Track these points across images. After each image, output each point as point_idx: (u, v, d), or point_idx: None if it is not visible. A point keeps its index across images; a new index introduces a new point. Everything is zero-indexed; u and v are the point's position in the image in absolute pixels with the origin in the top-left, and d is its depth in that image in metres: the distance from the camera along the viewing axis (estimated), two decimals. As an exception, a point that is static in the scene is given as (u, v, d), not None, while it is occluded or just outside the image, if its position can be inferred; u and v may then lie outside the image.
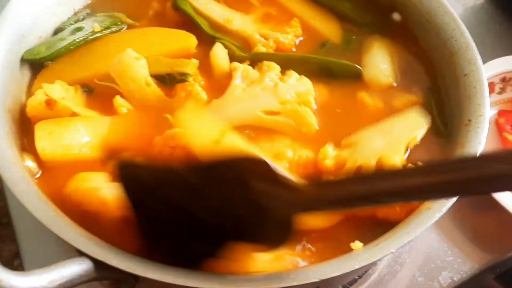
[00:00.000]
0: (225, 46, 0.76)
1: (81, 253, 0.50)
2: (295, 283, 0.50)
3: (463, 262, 0.80)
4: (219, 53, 0.75)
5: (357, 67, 0.75)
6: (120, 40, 0.76)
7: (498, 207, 0.79)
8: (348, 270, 0.51)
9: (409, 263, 0.79)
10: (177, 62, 0.70)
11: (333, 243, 0.58)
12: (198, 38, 0.76)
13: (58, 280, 0.46)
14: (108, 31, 0.77)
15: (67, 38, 0.75)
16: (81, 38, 0.75)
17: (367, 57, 0.77)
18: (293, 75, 0.70)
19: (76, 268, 0.48)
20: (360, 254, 0.53)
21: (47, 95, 0.65)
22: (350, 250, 0.55)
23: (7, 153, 0.58)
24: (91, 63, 0.73)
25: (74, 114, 0.66)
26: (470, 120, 0.63)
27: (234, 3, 0.84)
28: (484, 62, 0.93)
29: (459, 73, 0.70)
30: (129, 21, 0.80)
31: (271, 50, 0.77)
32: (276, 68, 0.71)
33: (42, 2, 0.75)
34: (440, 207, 0.55)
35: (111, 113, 0.68)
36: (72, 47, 0.74)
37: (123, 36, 0.78)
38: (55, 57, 0.73)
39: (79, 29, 0.76)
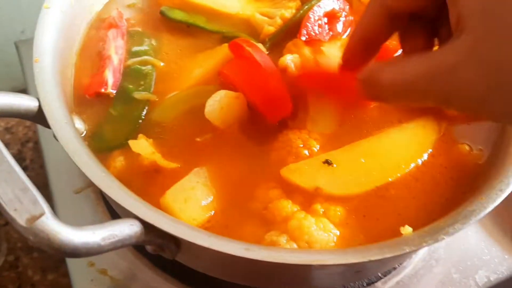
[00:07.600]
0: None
1: (129, 215, 0.50)
2: (343, 262, 0.49)
3: (501, 262, 0.78)
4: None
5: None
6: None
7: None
8: (398, 253, 0.50)
9: (444, 258, 0.78)
10: None
11: (378, 225, 0.58)
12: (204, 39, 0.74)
13: (110, 238, 0.46)
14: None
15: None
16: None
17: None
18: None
19: (127, 228, 0.48)
20: (411, 238, 0.52)
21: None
22: (398, 234, 0.54)
23: (59, 112, 0.58)
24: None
25: (156, 166, 0.60)
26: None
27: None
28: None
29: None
30: (158, 63, 0.72)
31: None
32: None
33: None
34: (494, 198, 0.54)
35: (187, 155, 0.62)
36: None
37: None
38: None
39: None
